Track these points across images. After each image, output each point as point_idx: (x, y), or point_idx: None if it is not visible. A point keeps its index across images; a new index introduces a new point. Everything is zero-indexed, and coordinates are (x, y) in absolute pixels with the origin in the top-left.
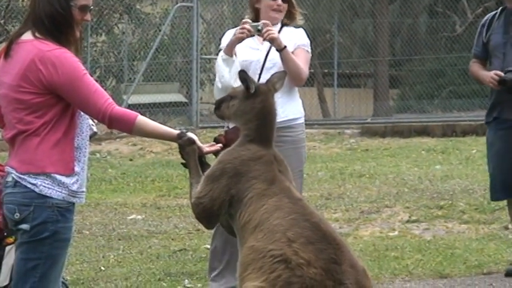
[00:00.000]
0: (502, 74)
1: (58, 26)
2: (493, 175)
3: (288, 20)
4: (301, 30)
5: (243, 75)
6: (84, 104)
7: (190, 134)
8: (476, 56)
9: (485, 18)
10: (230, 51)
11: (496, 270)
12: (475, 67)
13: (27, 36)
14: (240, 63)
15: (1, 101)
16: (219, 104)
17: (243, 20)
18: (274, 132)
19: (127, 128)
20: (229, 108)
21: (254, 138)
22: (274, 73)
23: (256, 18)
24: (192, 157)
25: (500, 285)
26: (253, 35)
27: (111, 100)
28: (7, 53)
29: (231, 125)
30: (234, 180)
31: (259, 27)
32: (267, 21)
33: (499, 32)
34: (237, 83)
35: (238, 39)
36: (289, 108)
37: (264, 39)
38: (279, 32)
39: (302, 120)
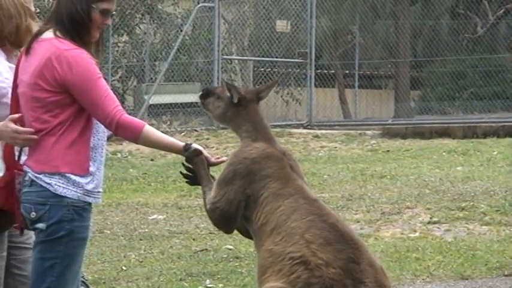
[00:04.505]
0: None
1: (75, 27)
2: None
3: None
4: None
5: (228, 85)
6: (94, 106)
7: (195, 145)
8: None
9: None
10: None
11: None
12: None
13: (48, 34)
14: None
15: (20, 100)
16: (207, 94)
17: None
18: (270, 130)
19: (133, 136)
20: (214, 106)
21: (257, 137)
22: (267, 83)
23: None
24: (201, 166)
25: None
26: None
27: (120, 107)
28: (28, 51)
29: None
30: (248, 180)
31: None
32: None
33: None
34: None
35: None
36: None
37: None
38: None
39: None
